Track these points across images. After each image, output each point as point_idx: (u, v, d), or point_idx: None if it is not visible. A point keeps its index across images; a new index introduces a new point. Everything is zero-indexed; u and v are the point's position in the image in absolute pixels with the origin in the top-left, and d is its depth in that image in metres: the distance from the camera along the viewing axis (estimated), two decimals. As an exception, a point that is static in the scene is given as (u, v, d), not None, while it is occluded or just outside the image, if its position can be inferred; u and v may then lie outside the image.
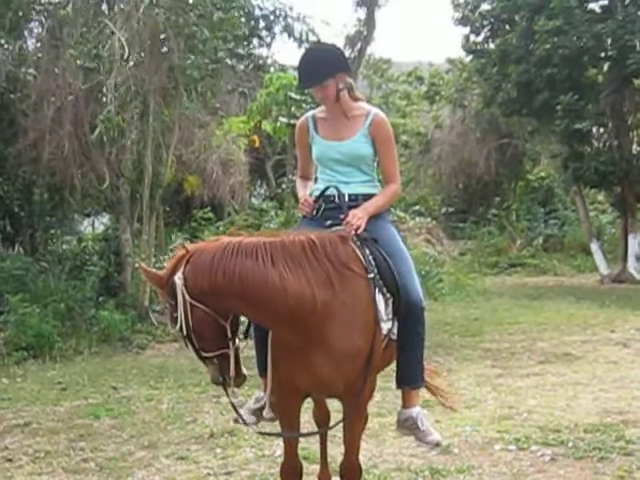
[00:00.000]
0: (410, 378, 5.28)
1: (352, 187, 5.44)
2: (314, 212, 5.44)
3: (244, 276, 4.50)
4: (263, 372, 5.08)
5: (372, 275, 4.94)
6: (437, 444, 5.41)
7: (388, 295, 5.05)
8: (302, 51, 6.11)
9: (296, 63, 5.53)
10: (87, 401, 10.14)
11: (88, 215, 22.74)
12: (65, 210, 20.58)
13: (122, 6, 14.95)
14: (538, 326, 15.59)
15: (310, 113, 5.67)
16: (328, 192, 5.42)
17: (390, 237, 5.40)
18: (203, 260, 4.51)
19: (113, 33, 14.43)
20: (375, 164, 5.62)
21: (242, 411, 5.22)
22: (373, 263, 5.04)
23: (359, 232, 5.13)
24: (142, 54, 15.54)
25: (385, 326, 5.00)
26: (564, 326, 15.44)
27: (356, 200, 5.38)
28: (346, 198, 5.37)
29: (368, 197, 5.44)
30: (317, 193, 5.52)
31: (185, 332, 4.57)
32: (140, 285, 15.89)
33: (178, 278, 4.46)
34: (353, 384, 4.83)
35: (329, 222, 5.26)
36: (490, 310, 18.49)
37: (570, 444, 7.36)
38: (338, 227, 5.15)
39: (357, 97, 5.56)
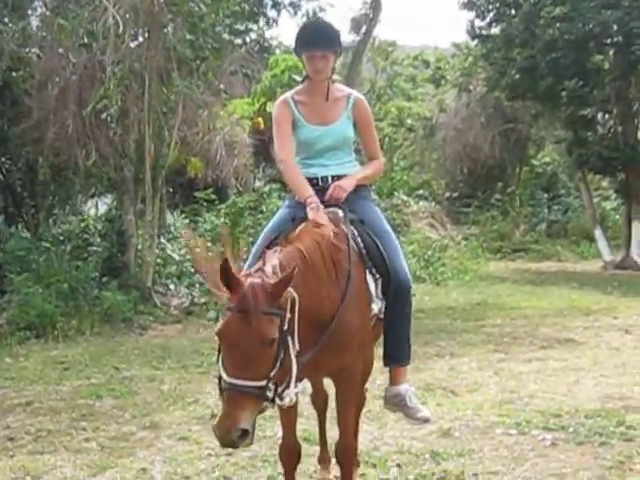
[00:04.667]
0: (398, 356, 5.35)
1: (336, 169, 5.47)
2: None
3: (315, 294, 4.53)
4: None
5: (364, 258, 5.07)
6: (426, 420, 5.48)
7: (377, 276, 5.14)
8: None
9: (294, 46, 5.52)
10: (89, 381, 10.16)
11: (92, 196, 22.71)
12: (69, 190, 20.56)
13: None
14: (541, 311, 15.61)
15: (289, 94, 5.60)
16: (310, 175, 5.41)
17: (376, 218, 5.47)
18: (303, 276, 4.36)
19: (107, 9, 14.37)
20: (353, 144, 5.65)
21: None
22: (362, 245, 5.13)
23: (339, 202, 5.21)
24: (139, 32, 15.54)
25: (375, 306, 5.11)
26: (567, 312, 15.45)
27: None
28: (329, 180, 5.40)
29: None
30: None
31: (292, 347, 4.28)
32: (143, 266, 15.91)
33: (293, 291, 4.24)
34: (347, 364, 4.91)
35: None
36: (493, 295, 18.50)
37: (571, 429, 7.36)
38: (328, 210, 5.15)
39: (334, 79, 5.61)
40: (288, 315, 4.15)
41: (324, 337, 4.55)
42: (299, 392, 4.54)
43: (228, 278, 4.03)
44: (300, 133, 5.47)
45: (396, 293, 5.16)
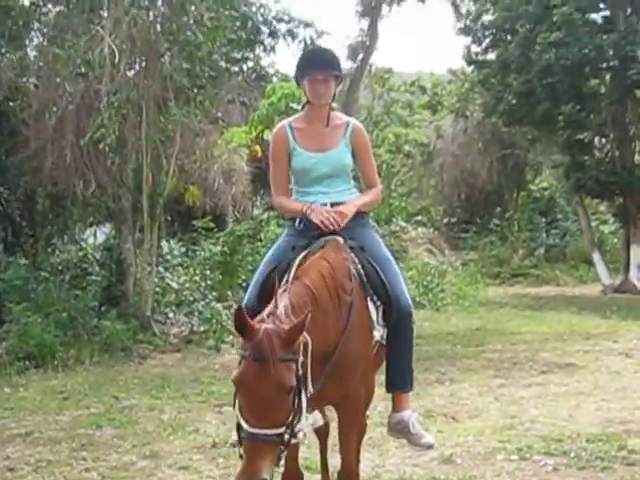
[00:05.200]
0: (401, 382, 5.35)
1: (335, 196, 5.48)
2: (299, 224, 5.42)
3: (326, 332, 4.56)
4: None
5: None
6: (430, 446, 5.47)
7: (378, 303, 5.15)
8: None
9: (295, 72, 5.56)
10: (89, 411, 10.13)
11: (90, 225, 22.74)
12: (67, 220, 20.59)
13: (112, 11, 14.91)
14: (540, 336, 15.59)
15: (286, 122, 5.62)
16: (309, 203, 5.41)
17: (375, 245, 5.49)
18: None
19: (103, 39, 14.44)
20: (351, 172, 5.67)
21: None
22: (362, 272, 5.14)
23: (338, 229, 5.20)
24: (136, 61, 15.60)
25: (377, 333, 5.11)
26: (566, 336, 15.43)
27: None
28: (328, 207, 5.38)
29: None
30: None
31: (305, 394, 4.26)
32: (142, 295, 15.89)
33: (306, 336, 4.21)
34: (350, 392, 4.92)
35: (316, 232, 5.25)
36: (492, 320, 18.50)
37: (572, 454, 7.35)
38: (327, 237, 5.17)
39: (333, 107, 5.62)
40: (301, 359, 4.14)
41: (327, 368, 4.55)
42: (311, 425, 4.56)
43: (242, 325, 4.01)
44: (296, 161, 5.48)
45: (397, 319, 5.17)
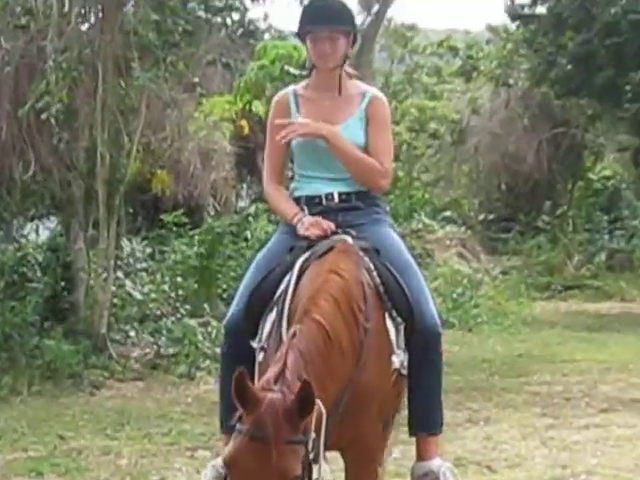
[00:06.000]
0: (427, 422, 5.31)
1: (344, 184, 5.47)
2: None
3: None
4: (229, 429, 4.62)
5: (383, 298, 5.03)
6: None
7: (399, 320, 5.08)
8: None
9: (295, 28, 5.55)
10: (27, 454, 10.13)
11: (31, 219, 22.73)
12: (2, 212, 20.59)
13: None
14: (600, 365, 15.58)
15: (290, 88, 5.68)
16: (312, 192, 5.44)
17: (394, 245, 5.45)
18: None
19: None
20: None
21: None
22: (378, 280, 5.08)
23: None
24: (91, 11, 15.58)
25: (397, 359, 5.03)
26: (632, 365, 15.42)
27: (348, 200, 5.44)
28: (336, 198, 5.41)
29: (362, 195, 5.48)
30: (299, 194, 5.54)
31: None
32: (95, 307, 15.84)
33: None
34: (363, 432, 4.86)
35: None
36: (539, 344, 18.50)
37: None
38: (334, 237, 5.17)
39: (351, 74, 5.62)
40: (313, 435, 4.09)
41: (340, 407, 4.52)
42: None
43: (243, 393, 3.97)
44: (297, 137, 5.47)
45: (422, 342, 5.12)
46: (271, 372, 4.18)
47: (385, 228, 5.55)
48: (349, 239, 5.19)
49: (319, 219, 5.25)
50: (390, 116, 5.67)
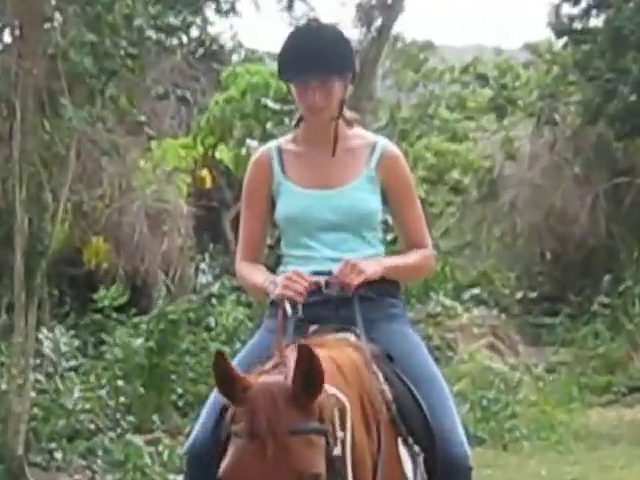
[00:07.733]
0: None
1: None
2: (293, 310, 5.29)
3: None
4: None
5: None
6: None
7: (416, 448, 5.04)
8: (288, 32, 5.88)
9: (275, 48, 5.60)
10: None
11: None
12: None
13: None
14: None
15: (273, 143, 5.69)
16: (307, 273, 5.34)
17: (413, 351, 5.45)
18: None
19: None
20: (380, 225, 5.66)
21: None
22: (390, 397, 5.02)
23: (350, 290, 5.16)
24: (5, 29, 15.75)
25: None
26: None
27: (356, 287, 5.27)
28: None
29: (373, 281, 5.33)
30: None
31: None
32: (9, 421, 15.83)
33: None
34: None
35: (314, 328, 5.21)
36: (597, 467, 18.45)
37: None
38: (341, 334, 5.14)
39: (351, 119, 5.63)
40: (340, 434, 4.13)
41: None
42: None
43: (227, 379, 4.00)
44: (282, 204, 5.49)
45: (447, 476, 5.08)
46: (271, 362, 4.30)
47: (403, 327, 5.54)
48: (352, 337, 5.13)
49: (298, 270, 5.19)
50: (408, 170, 5.74)
